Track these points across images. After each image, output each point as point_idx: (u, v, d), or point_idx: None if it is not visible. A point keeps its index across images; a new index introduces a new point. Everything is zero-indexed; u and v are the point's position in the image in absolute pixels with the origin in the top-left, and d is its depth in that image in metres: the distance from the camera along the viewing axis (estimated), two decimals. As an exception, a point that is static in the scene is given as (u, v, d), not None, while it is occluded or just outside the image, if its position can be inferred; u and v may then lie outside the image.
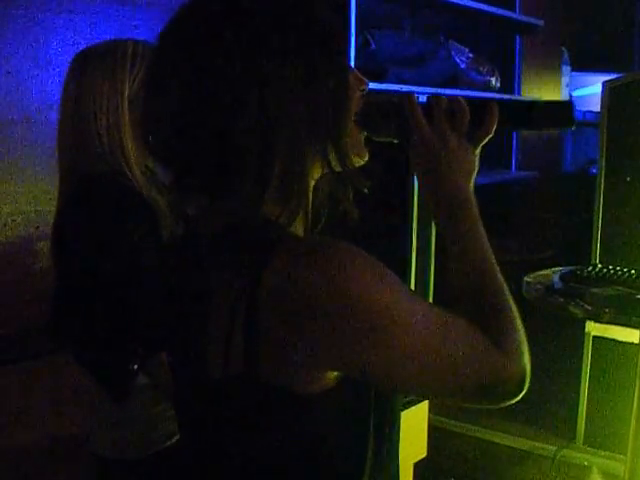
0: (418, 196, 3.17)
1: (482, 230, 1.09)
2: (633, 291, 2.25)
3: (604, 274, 2.40)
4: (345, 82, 1.03)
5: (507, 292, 1.06)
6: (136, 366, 1.71)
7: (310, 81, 0.98)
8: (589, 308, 2.20)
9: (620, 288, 2.27)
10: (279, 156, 0.97)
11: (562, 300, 2.26)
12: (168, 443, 1.78)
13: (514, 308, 1.05)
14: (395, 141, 1.14)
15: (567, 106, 1.13)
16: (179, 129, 1.00)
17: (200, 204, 1.08)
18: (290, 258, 0.93)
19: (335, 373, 0.96)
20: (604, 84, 2.95)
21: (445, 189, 1.09)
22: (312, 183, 1.08)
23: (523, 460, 3.11)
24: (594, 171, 4.74)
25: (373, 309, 0.92)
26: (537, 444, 3.13)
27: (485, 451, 3.18)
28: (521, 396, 1.01)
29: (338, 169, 1.03)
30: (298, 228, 1.06)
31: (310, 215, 1.09)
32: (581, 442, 3.06)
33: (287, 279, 0.92)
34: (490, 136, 1.11)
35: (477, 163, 1.12)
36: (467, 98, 1.10)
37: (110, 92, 1.73)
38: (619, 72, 4.44)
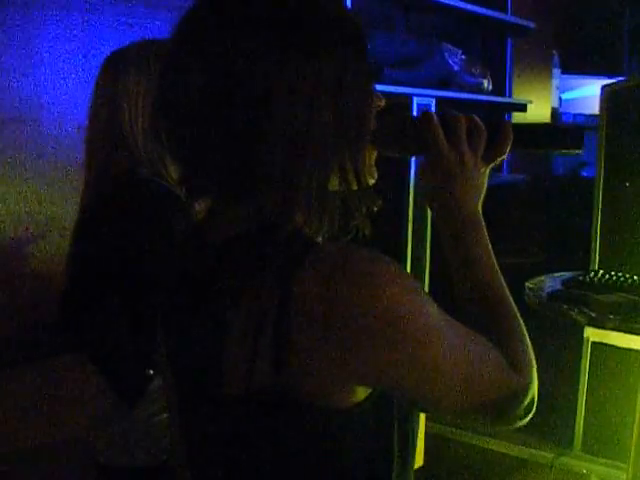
0: (415, 191, 3.12)
1: (491, 251, 1.09)
2: (637, 298, 2.23)
3: (606, 280, 2.38)
4: (370, 96, 1.00)
5: (517, 314, 1.07)
6: (152, 371, 1.69)
7: (339, 90, 0.94)
8: (593, 315, 2.18)
9: (624, 295, 2.24)
10: (307, 163, 0.93)
11: (566, 307, 2.23)
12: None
13: (525, 331, 1.06)
14: (408, 157, 1.13)
15: (578, 131, 1.15)
16: (200, 129, 0.95)
17: (213, 208, 1.04)
18: (324, 269, 0.89)
19: (364, 387, 0.94)
20: (603, 88, 2.93)
21: (458, 209, 1.09)
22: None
23: (521, 468, 3.09)
24: (585, 174, 4.75)
25: (408, 324, 0.90)
26: (535, 451, 3.11)
27: (482, 459, 3.16)
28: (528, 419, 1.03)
29: (354, 186, 0.99)
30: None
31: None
32: (579, 449, 3.03)
33: (321, 291, 0.88)
34: (503, 157, 1.10)
35: (486, 183, 1.12)
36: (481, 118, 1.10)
37: (147, 94, 1.70)
38: (608, 75, 4.45)
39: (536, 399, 1.03)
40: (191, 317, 1.03)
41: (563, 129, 1.18)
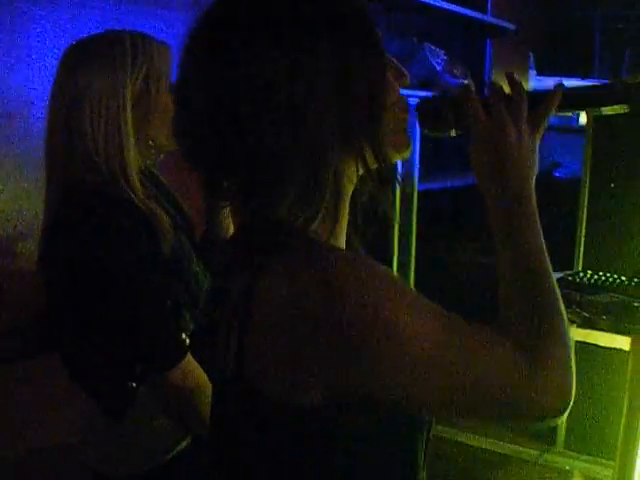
0: (400, 197, 3.14)
1: (539, 231, 1.02)
2: (628, 298, 2.27)
3: (595, 280, 2.42)
4: (381, 76, 0.99)
5: (560, 303, 1.00)
6: (135, 384, 1.61)
7: (343, 74, 0.93)
8: (587, 315, 2.21)
9: (616, 295, 2.29)
10: (304, 152, 0.92)
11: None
12: (167, 457, 1.69)
13: (565, 321, 0.99)
14: (453, 134, 1.11)
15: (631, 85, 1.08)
16: (208, 125, 0.95)
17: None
18: (289, 269, 0.89)
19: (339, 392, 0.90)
20: (590, 91, 2.97)
21: (502, 183, 1.03)
22: (350, 186, 1.02)
23: (504, 464, 3.11)
24: (557, 174, 4.80)
25: (371, 324, 0.86)
26: (518, 448, 3.13)
27: (466, 455, 3.18)
28: (562, 418, 0.94)
29: (373, 165, 0.98)
30: (338, 238, 1.01)
31: (347, 221, 1.05)
32: (562, 446, 3.07)
33: (283, 287, 0.88)
34: (549, 116, 1.04)
35: (537, 154, 1.05)
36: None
37: (110, 92, 1.58)
38: (579, 77, 4.50)
39: (570, 399, 0.93)
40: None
41: (610, 84, 1.11)
